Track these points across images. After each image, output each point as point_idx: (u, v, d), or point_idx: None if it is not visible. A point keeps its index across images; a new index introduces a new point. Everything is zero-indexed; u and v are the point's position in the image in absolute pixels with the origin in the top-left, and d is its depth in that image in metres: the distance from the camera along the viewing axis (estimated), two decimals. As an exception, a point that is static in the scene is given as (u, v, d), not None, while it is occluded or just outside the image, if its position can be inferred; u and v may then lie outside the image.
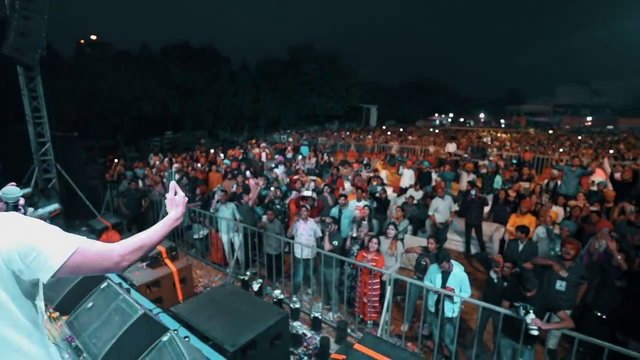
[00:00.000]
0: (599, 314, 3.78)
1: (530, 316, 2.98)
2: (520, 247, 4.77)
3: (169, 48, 24.60)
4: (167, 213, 1.33)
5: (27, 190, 1.75)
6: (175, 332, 2.08)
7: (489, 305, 3.44)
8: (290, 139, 20.71)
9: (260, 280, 5.32)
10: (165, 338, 1.98)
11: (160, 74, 20.04)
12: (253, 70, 29.68)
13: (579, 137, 23.71)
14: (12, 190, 1.37)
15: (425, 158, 13.57)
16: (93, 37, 20.82)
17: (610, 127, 44.79)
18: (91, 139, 12.62)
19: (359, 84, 40.38)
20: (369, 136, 23.46)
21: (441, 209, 6.89)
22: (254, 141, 17.95)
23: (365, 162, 11.94)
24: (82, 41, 20.39)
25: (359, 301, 4.61)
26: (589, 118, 51.25)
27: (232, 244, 6.15)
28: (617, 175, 7.26)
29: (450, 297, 3.76)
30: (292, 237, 5.19)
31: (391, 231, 4.77)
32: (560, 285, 3.80)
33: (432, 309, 3.98)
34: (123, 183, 8.10)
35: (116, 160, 9.97)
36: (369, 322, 4.61)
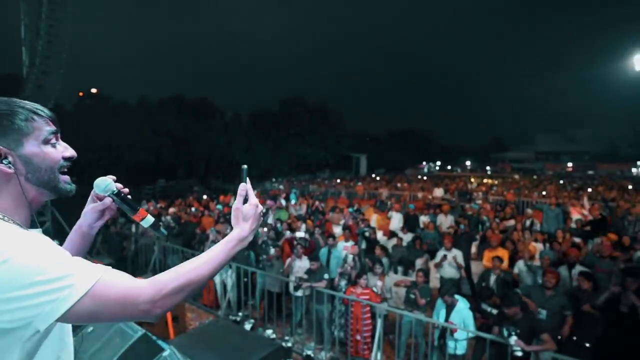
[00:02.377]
0: (581, 341, 3.89)
1: (513, 338, 3.12)
2: (494, 277, 4.97)
3: (165, 100, 25.84)
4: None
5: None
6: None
7: (478, 332, 3.55)
8: (282, 187, 21.11)
9: (252, 321, 5.32)
10: (165, 353, 2.09)
11: (156, 124, 20.85)
12: (246, 121, 30.99)
13: (561, 182, 24.67)
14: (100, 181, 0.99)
15: (413, 203, 13.96)
16: (93, 90, 21.92)
17: (590, 172, 46.71)
18: (88, 186, 12.79)
19: (349, 133, 42.14)
20: (359, 183, 24.05)
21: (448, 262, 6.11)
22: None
23: (355, 208, 12.25)
24: (81, 93, 21.42)
25: (350, 339, 4.63)
26: (570, 164, 53.55)
27: (224, 286, 6.17)
28: (587, 213, 7.74)
29: (452, 334, 3.86)
30: (288, 275, 5.31)
31: (378, 268, 4.95)
32: (541, 313, 3.96)
33: (436, 343, 4.05)
34: (111, 228, 8.21)
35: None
36: (361, 360, 4.59)
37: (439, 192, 16.24)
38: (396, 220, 10.44)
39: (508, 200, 11.55)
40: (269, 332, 4.83)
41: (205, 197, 12.81)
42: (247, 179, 1.04)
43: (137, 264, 7.54)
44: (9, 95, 0.88)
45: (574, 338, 3.88)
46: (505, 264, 5.41)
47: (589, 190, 14.37)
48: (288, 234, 7.58)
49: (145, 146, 19.42)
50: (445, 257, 6.11)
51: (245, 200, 1.00)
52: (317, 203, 12.97)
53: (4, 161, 0.80)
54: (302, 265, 5.44)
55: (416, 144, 63.76)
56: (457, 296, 4.14)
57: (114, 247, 7.26)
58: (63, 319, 0.72)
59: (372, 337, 4.56)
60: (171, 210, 9.12)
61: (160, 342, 2.68)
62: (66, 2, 6.83)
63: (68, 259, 0.75)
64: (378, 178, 27.08)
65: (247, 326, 5.01)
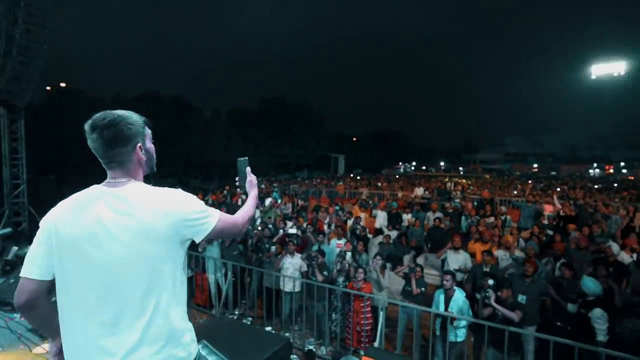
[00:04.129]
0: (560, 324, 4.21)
1: (488, 293, 3.60)
2: (486, 269, 5.28)
3: (141, 97, 24.97)
4: None
5: (7, 230, 1.97)
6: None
7: (475, 319, 3.77)
8: (263, 186, 20.96)
9: (250, 318, 5.32)
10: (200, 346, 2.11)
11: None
12: (225, 119, 30.48)
13: (529, 182, 26.03)
14: None
15: (397, 202, 14.32)
16: (62, 84, 20.83)
17: (553, 172, 49.60)
18: (66, 186, 12.19)
19: (327, 134, 42.39)
20: (340, 183, 24.31)
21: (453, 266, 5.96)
22: (228, 188, 18.01)
23: (339, 207, 12.40)
24: (49, 88, 20.29)
25: (351, 332, 4.74)
26: (535, 165, 56.60)
27: (218, 284, 6.12)
28: (561, 210, 8.29)
29: (452, 322, 4.07)
30: (279, 271, 5.35)
31: (378, 261, 5.10)
32: (521, 298, 4.26)
33: (438, 332, 4.23)
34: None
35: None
36: (362, 352, 4.71)
37: (419, 191, 16.71)
38: (381, 218, 10.71)
39: (484, 198, 12.09)
40: (268, 328, 4.85)
41: None
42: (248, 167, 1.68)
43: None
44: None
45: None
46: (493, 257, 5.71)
47: (558, 189, 15.28)
48: (281, 232, 7.59)
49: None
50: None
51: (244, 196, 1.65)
52: (300, 202, 13.01)
53: (142, 151, 1.27)
54: (293, 262, 5.48)
55: (392, 144, 65.10)
56: (454, 287, 4.36)
57: None
58: (210, 234, 1.25)
59: (371, 330, 4.72)
60: None
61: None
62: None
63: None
64: (359, 177, 27.39)
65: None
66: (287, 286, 5.20)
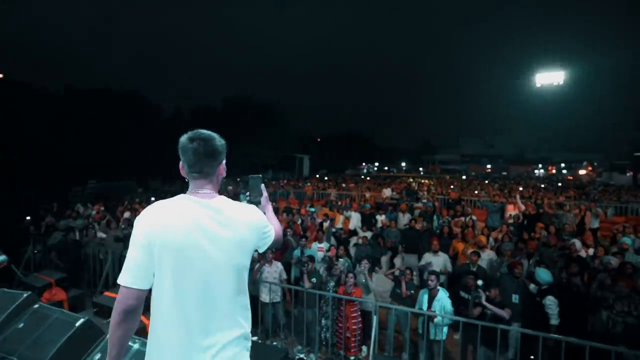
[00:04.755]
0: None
1: (479, 293, 3.77)
2: (473, 269, 5.47)
3: (95, 91, 23.22)
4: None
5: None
6: None
7: (463, 319, 3.88)
8: (230, 187, 20.37)
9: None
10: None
11: (86, 118, 18.66)
12: (187, 118, 29.25)
13: (486, 181, 27.67)
14: None
15: (364, 202, 14.54)
16: None
17: (504, 173, 53.29)
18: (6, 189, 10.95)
19: (292, 134, 42.24)
20: (308, 184, 24.26)
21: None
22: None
23: (313, 208, 12.35)
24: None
25: (343, 337, 4.70)
26: (489, 166, 60.46)
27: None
28: (523, 209, 8.87)
29: (434, 321, 4.15)
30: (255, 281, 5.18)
31: (366, 264, 5.11)
32: (514, 298, 4.47)
33: (421, 331, 4.30)
34: (54, 235, 7.23)
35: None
36: (352, 357, 4.69)
37: (387, 192, 17.11)
38: (355, 220, 10.82)
39: (452, 198, 12.65)
40: (254, 338, 4.67)
41: (153, 199, 11.78)
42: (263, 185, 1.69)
43: (92, 273, 6.76)
44: None
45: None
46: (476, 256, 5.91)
47: (520, 189, 16.36)
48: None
49: (72, 142, 17.22)
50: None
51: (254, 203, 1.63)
52: (273, 204, 12.78)
53: (224, 169, 1.41)
54: (271, 270, 5.32)
55: (356, 145, 66.27)
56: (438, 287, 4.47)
57: (70, 257, 6.39)
58: (270, 245, 1.43)
59: (360, 334, 4.72)
60: (127, 214, 8.26)
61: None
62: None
63: None
64: (326, 178, 27.54)
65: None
66: (266, 297, 5.05)
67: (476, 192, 17.77)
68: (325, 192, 21.24)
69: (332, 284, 5.03)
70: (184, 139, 1.31)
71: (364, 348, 4.84)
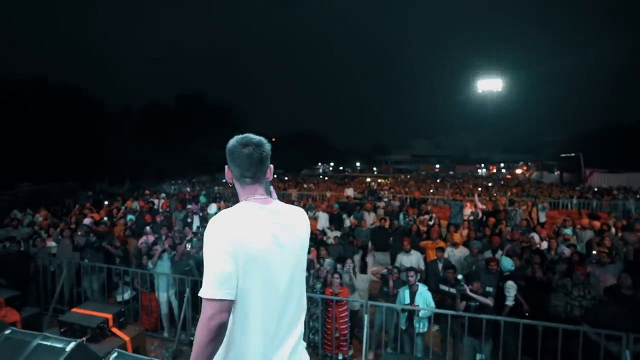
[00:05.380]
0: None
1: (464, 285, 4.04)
2: (440, 264, 5.81)
3: (26, 82, 20.74)
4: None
5: None
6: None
7: (449, 312, 4.10)
8: (188, 189, 19.47)
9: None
10: (112, 356, 1.96)
11: (17, 113, 16.63)
12: (136, 117, 27.34)
13: (438, 180, 29.35)
14: None
15: (327, 202, 14.74)
16: None
17: (451, 172, 56.96)
18: None
19: (249, 132, 41.26)
20: (268, 184, 23.95)
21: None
22: (147, 192, 16.18)
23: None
24: None
25: (332, 338, 4.71)
26: (437, 165, 64.30)
27: (170, 304, 5.48)
28: (483, 207, 9.56)
29: (419, 314, 4.31)
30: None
31: (351, 264, 5.17)
32: (490, 290, 4.80)
33: (404, 327, 4.44)
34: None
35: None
36: (340, 356, 4.72)
37: (350, 191, 17.43)
38: (323, 220, 10.90)
39: (416, 197, 13.27)
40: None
41: (106, 202, 10.80)
42: None
43: (43, 288, 6.05)
44: None
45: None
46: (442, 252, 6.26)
47: (479, 189, 17.56)
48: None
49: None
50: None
51: None
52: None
53: (271, 172, 1.41)
54: None
55: (311, 145, 66.55)
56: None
57: (16, 269, 5.64)
58: None
59: (348, 333, 4.77)
60: (87, 220, 7.47)
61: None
62: None
63: None
64: (286, 179, 27.41)
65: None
66: None
67: (431, 190, 18.75)
68: (286, 192, 21.12)
69: (319, 285, 5.02)
70: (235, 144, 1.30)
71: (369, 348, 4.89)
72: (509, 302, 4.56)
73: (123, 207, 10.40)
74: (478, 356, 4.11)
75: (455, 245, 6.58)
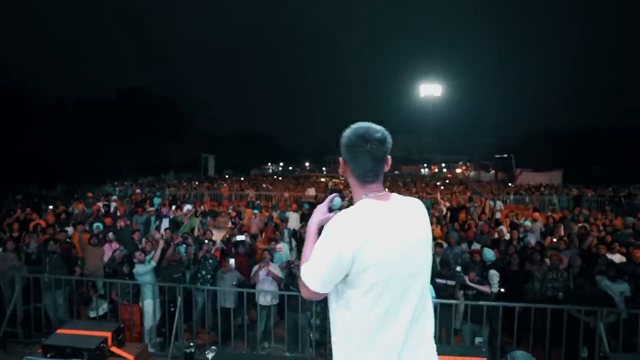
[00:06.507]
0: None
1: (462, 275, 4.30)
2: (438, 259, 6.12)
3: None
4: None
5: None
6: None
7: (451, 301, 4.35)
8: (138, 190, 17.95)
9: (214, 348, 4.64)
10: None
11: None
12: (71, 111, 24.55)
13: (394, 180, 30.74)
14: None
15: (284, 202, 14.64)
16: None
17: (397, 172, 59.92)
18: None
19: (196, 132, 39.42)
20: (224, 185, 23.09)
21: None
22: (91, 194, 14.58)
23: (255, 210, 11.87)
24: None
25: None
26: (384, 165, 67.57)
27: (155, 315, 5.03)
28: (447, 203, 10.27)
29: None
30: (254, 285, 4.84)
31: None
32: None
33: None
34: None
35: None
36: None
37: (312, 191, 17.48)
38: (294, 220, 10.84)
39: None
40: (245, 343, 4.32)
41: (51, 207, 9.45)
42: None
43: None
44: None
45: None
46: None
47: (442, 187, 18.63)
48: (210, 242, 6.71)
49: None
50: None
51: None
52: (203, 207, 11.83)
53: (389, 164, 1.29)
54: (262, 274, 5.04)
55: (260, 145, 65.60)
56: None
57: None
58: None
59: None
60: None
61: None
62: None
63: None
64: (242, 179, 26.68)
65: (210, 355, 4.33)
66: (264, 300, 4.76)
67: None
68: (243, 193, 20.53)
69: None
70: (354, 138, 1.19)
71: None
72: (494, 289, 4.97)
73: (74, 212, 9.28)
74: (477, 339, 4.41)
75: (435, 239, 6.97)
